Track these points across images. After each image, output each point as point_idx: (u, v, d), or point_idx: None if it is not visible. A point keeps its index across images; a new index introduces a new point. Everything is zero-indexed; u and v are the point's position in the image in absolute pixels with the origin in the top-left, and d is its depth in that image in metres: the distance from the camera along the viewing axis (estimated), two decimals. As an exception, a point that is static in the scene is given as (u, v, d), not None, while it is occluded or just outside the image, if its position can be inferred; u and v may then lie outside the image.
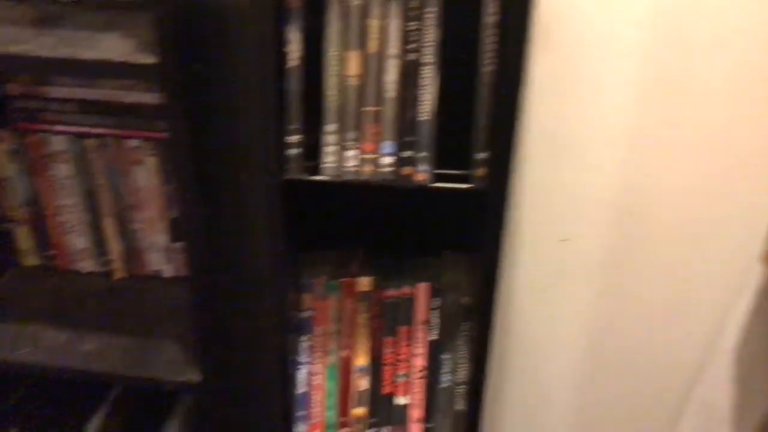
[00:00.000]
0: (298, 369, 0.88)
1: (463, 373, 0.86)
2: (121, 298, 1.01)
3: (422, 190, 0.75)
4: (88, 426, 1.03)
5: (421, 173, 0.70)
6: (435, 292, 0.84)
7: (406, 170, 0.70)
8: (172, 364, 0.88)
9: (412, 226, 0.99)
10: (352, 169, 0.70)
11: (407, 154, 0.70)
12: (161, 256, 1.02)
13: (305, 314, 0.87)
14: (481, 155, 0.70)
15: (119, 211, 0.98)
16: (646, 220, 1.01)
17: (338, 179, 0.72)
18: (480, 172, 0.71)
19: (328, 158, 0.70)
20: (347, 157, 0.70)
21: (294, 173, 0.71)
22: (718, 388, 1.03)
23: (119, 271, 1.04)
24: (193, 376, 0.86)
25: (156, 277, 1.03)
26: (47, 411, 1.05)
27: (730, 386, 1.04)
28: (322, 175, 0.72)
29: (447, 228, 0.98)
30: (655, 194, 0.99)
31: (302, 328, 0.87)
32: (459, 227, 0.97)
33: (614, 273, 1.07)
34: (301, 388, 0.88)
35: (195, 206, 0.78)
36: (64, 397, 1.09)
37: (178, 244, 1.00)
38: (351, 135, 0.69)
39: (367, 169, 0.70)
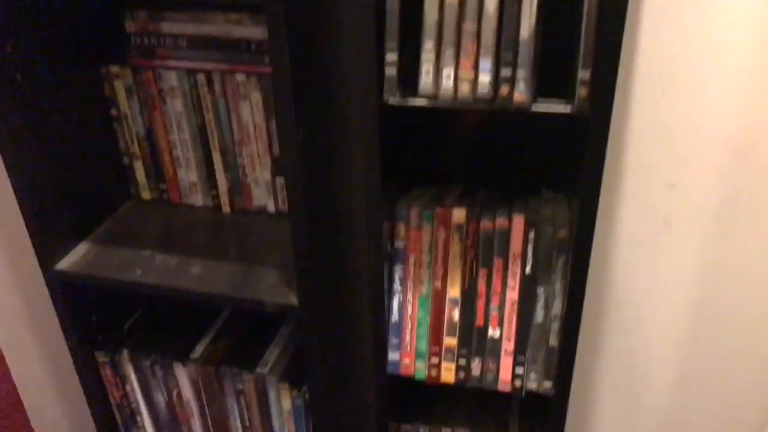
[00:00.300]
0: (392, 298, 0.89)
1: (558, 308, 0.85)
2: (228, 230, 1.06)
3: (521, 117, 0.74)
4: (194, 350, 1.09)
5: (520, 93, 0.69)
6: (531, 225, 0.82)
7: (504, 90, 0.69)
8: (273, 288, 0.92)
9: (510, 165, 0.98)
10: (450, 88, 0.70)
11: (506, 73, 0.68)
12: (265, 191, 1.05)
13: (399, 244, 0.87)
14: (583, 75, 0.68)
15: (226, 147, 1.03)
16: (761, 163, 0.95)
17: (435, 101, 0.72)
18: (581, 93, 0.69)
19: (425, 78, 0.70)
20: (444, 76, 0.70)
21: (391, 94, 0.72)
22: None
23: (226, 205, 1.09)
24: (292, 299, 0.89)
25: (261, 212, 1.08)
26: (157, 336, 1.13)
27: None
28: (418, 96, 0.72)
29: (546, 168, 0.97)
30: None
31: (396, 257, 0.88)
32: (558, 166, 0.95)
33: (725, 221, 1.01)
34: (394, 317, 0.90)
35: (295, 138, 0.80)
36: (174, 324, 1.16)
37: (280, 180, 1.03)
38: (449, 53, 0.69)
39: (465, 88, 0.69)
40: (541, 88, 0.73)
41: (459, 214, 0.84)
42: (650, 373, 1.15)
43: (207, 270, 0.97)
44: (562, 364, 0.84)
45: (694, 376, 1.14)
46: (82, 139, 1.02)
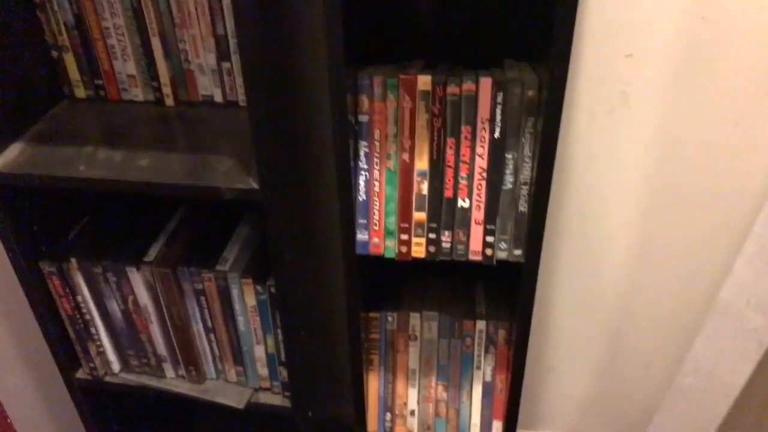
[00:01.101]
0: (357, 176, 0.86)
1: (527, 174, 0.83)
2: (174, 123, 1.00)
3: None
4: (147, 253, 1.04)
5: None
6: (499, 87, 0.80)
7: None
8: (230, 175, 0.87)
9: (469, 43, 0.95)
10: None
11: None
12: (211, 79, 0.99)
13: (363, 118, 0.84)
14: None
15: (166, 31, 0.96)
16: (721, 29, 0.95)
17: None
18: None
19: None
20: None
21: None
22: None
23: (170, 98, 1.02)
24: (251, 183, 0.85)
25: (208, 103, 1.02)
26: (107, 242, 1.07)
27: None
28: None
29: (506, 41, 0.94)
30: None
31: (360, 132, 0.85)
32: (518, 39, 0.93)
33: (683, 90, 1.01)
34: (360, 196, 0.87)
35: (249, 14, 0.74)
36: (123, 229, 1.10)
37: (227, 65, 0.97)
38: None
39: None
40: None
41: (424, 81, 0.81)
42: (608, 245, 1.17)
43: (156, 162, 0.91)
44: (533, 228, 0.83)
45: (650, 248, 1.17)
46: (1, 30, 0.92)
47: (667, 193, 1.10)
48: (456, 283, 1.12)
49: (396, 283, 1.12)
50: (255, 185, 0.85)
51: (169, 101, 1.02)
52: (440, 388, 1.09)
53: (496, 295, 1.08)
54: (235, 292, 1.01)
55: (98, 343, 1.12)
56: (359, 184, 0.87)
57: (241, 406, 1.10)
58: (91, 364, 1.14)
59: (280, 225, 0.90)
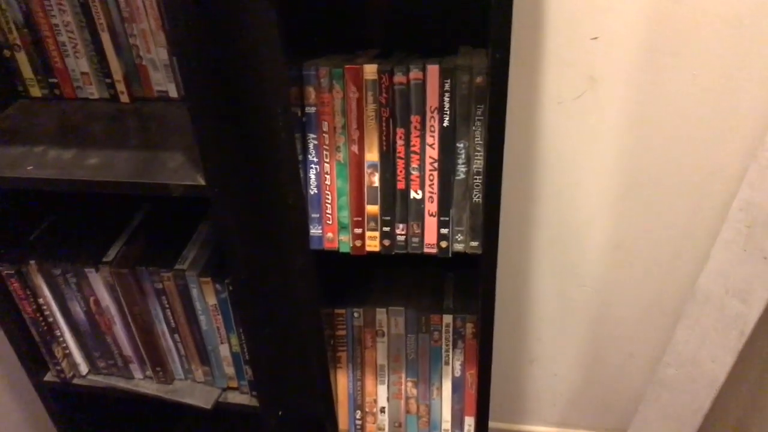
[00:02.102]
0: (308, 169, 0.84)
1: (480, 164, 0.81)
2: (128, 120, 0.98)
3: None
4: (107, 254, 1.02)
5: None
6: (446, 74, 0.77)
7: None
8: (178, 172, 0.85)
9: (423, 31, 0.93)
10: None
11: None
12: (164, 74, 0.97)
13: (310, 110, 0.81)
14: None
15: (115, 26, 0.94)
16: (688, 7, 0.92)
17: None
18: None
19: None
20: None
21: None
22: (763, 188, 0.96)
23: (124, 94, 1.00)
24: (198, 179, 0.83)
25: (162, 98, 1.00)
26: (67, 244, 1.05)
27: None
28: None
29: (459, 28, 0.92)
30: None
31: (308, 125, 0.82)
32: (472, 25, 0.90)
33: (652, 72, 0.98)
34: (312, 190, 0.84)
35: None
36: (84, 232, 1.08)
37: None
38: None
39: None
40: None
41: (370, 70, 0.78)
42: (585, 234, 1.15)
43: (105, 160, 0.89)
44: (488, 219, 0.81)
45: (627, 236, 1.14)
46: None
47: (642, 179, 1.07)
48: (426, 275, 1.10)
49: (365, 276, 1.09)
50: (202, 181, 0.83)
51: (124, 98, 1.00)
52: (410, 384, 1.06)
53: (465, 288, 1.06)
54: (194, 291, 0.99)
55: (64, 345, 1.10)
56: (310, 177, 0.84)
57: (208, 406, 1.08)
58: (58, 367, 1.12)
59: (232, 221, 0.87)
